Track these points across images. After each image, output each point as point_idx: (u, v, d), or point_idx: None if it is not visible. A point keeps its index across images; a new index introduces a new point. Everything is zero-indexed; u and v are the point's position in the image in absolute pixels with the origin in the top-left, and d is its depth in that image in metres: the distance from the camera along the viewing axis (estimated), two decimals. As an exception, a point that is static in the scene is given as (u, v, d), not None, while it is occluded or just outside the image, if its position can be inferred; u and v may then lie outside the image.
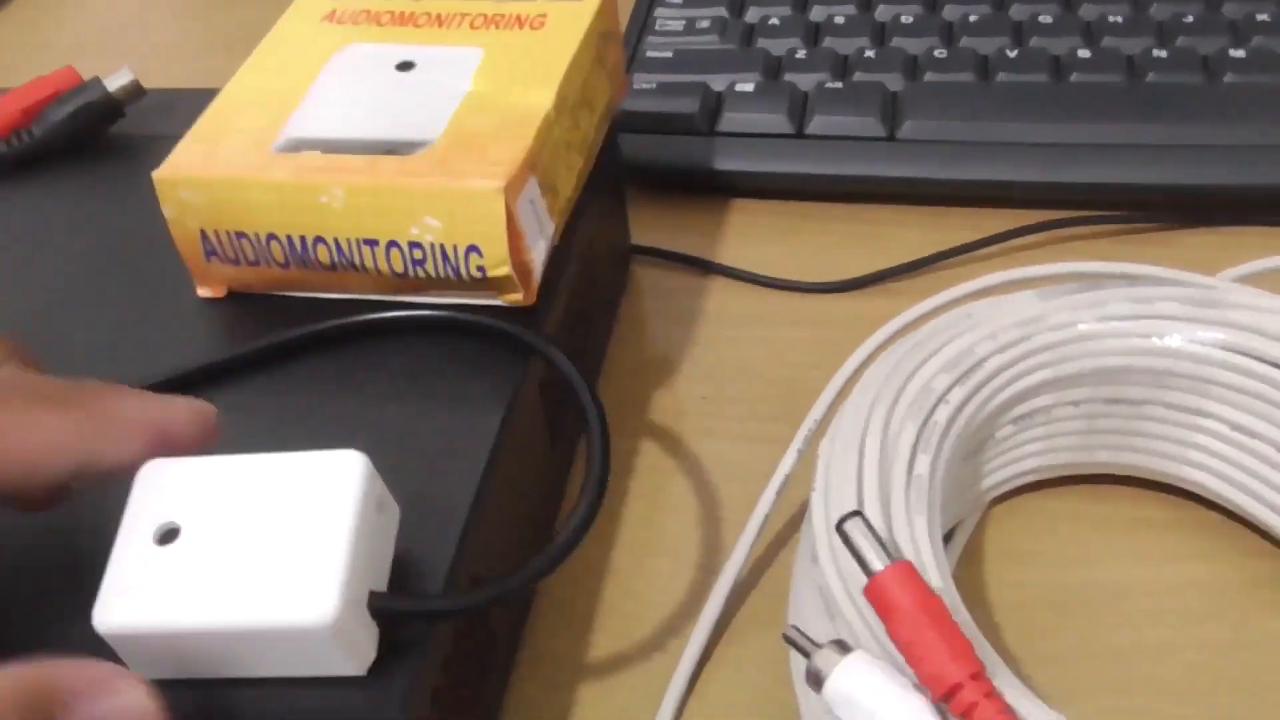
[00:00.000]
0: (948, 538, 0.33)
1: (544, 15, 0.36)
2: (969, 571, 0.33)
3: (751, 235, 0.44)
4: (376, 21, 0.37)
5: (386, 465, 0.26)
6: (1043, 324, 0.32)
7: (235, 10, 0.63)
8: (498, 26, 0.36)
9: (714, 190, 0.45)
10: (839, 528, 0.25)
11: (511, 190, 0.30)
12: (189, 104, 0.36)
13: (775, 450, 0.36)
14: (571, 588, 0.33)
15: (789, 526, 0.34)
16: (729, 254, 0.43)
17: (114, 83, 0.41)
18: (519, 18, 0.36)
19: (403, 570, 0.26)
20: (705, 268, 0.43)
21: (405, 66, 0.35)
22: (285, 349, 0.32)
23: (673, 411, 0.38)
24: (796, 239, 0.44)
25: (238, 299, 0.34)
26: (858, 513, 0.25)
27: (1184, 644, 0.31)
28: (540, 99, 0.33)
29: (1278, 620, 0.31)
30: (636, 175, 0.45)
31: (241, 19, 0.62)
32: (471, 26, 0.36)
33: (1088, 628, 0.31)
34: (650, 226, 0.45)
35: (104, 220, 0.37)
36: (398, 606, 0.25)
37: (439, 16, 0.37)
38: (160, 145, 0.33)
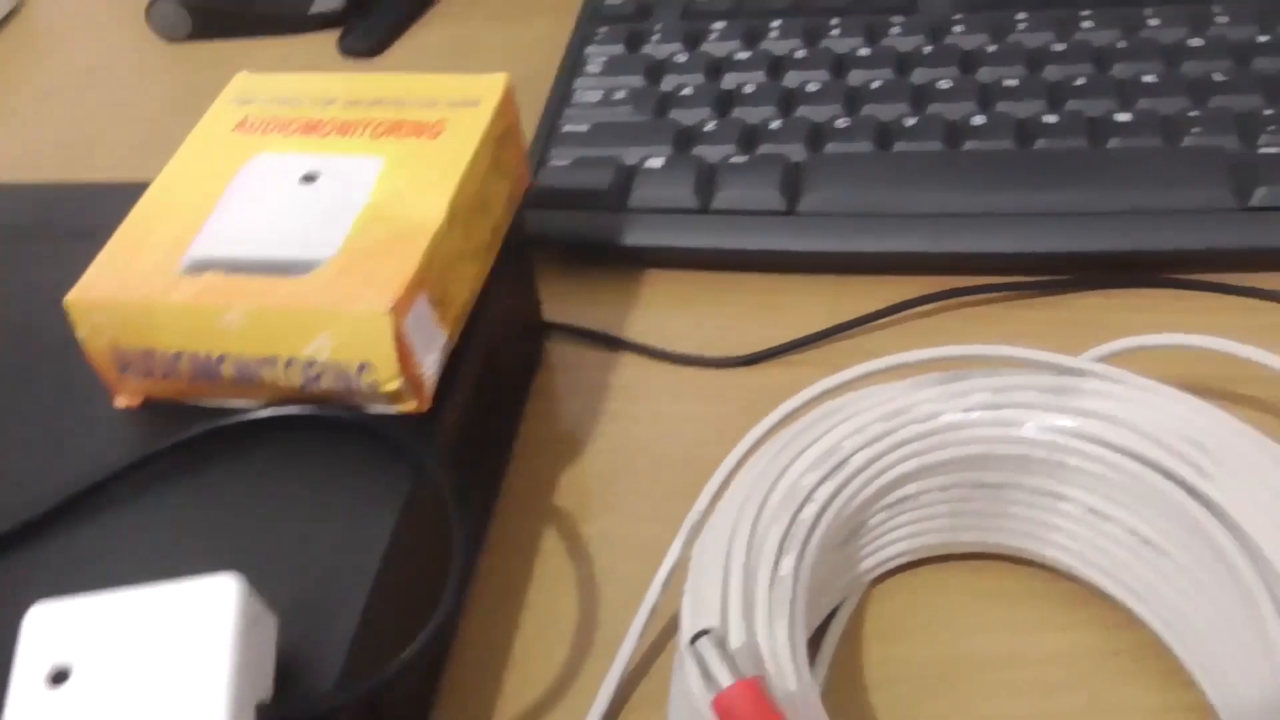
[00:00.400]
0: (829, 621, 0.35)
1: (442, 121, 0.38)
2: (849, 651, 0.35)
3: (660, 307, 0.46)
4: (284, 130, 0.39)
5: (280, 568, 0.28)
6: (907, 416, 0.34)
7: (183, 70, 0.65)
8: (398, 135, 0.38)
9: (625, 263, 0.47)
10: (690, 645, 0.27)
11: (398, 311, 0.32)
12: (114, 201, 0.38)
13: (672, 531, 0.38)
14: (477, 671, 0.35)
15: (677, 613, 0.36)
16: (639, 327, 0.45)
17: None
18: (418, 125, 0.38)
19: (297, 671, 0.28)
20: (614, 343, 0.45)
21: (309, 179, 0.37)
22: (162, 456, 0.34)
23: (578, 490, 0.40)
24: (703, 310, 0.46)
25: (154, 407, 0.36)
26: (706, 631, 0.27)
27: (1045, 713, 0.33)
28: (432, 211, 0.34)
29: (1131, 688, 0.33)
30: (549, 249, 0.47)
31: (187, 82, 0.64)
32: (373, 135, 0.38)
33: (958, 701, 0.33)
34: (563, 299, 0.46)
35: (25, 321, 0.39)
36: (285, 713, 0.27)
37: (344, 124, 0.38)
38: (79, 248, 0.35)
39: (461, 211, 0.36)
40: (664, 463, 0.40)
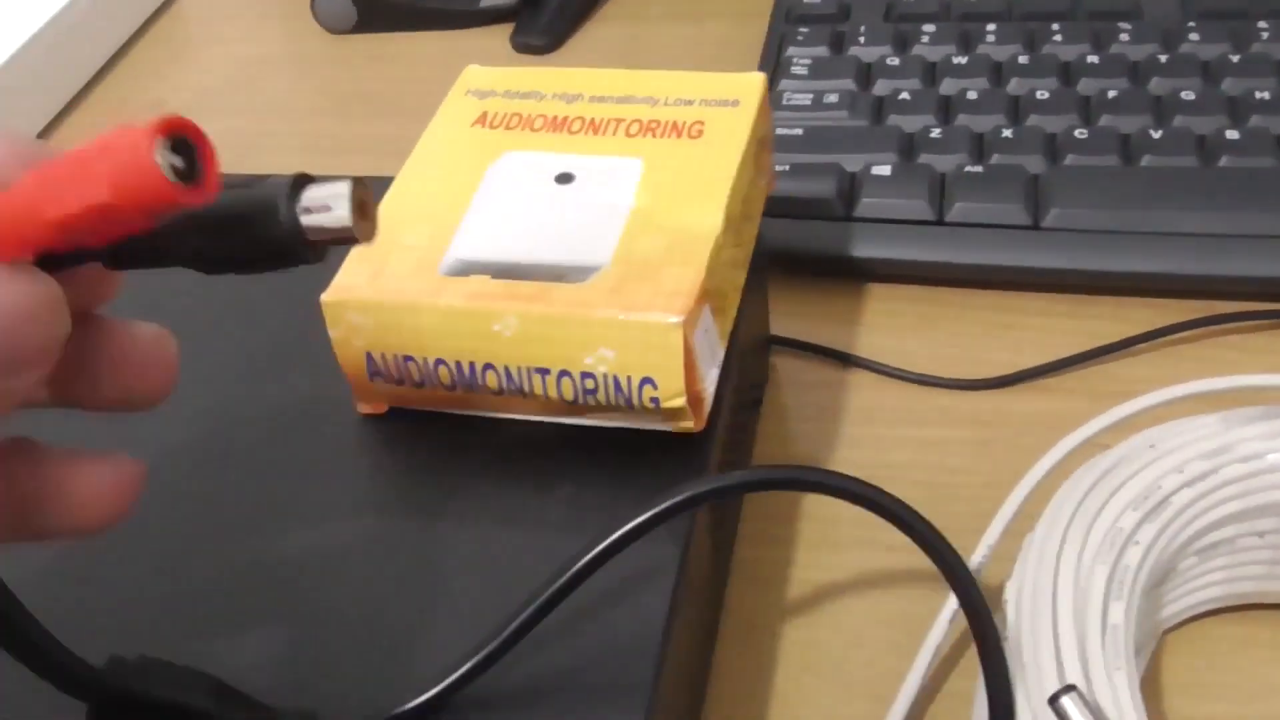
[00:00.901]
0: (1126, 670, 0.32)
1: (701, 123, 0.35)
2: (1151, 707, 0.32)
3: (890, 324, 0.43)
4: (530, 127, 0.36)
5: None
6: (1230, 454, 0.31)
7: (341, 66, 0.63)
8: (655, 134, 0.35)
9: (852, 275, 0.45)
10: (1053, 703, 0.24)
11: (689, 323, 0.30)
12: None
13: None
14: (732, 713, 0.33)
15: (959, 650, 0.34)
16: (868, 343, 0.43)
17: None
18: (676, 125, 0.35)
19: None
20: (845, 360, 0.42)
21: (564, 179, 0.34)
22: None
23: (827, 519, 0.37)
24: (937, 328, 0.43)
25: (400, 415, 0.34)
26: (1073, 686, 0.24)
27: (1380, 790, 0.30)
28: (709, 220, 0.32)
29: None
30: (772, 260, 0.45)
31: (354, 75, 0.62)
32: (628, 134, 0.36)
33: (1277, 769, 0.30)
34: (786, 313, 0.44)
35: (265, 319, 0.37)
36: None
37: (593, 123, 0.36)
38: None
39: (734, 218, 0.33)
40: (917, 491, 0.37)
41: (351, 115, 0.60)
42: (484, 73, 0.39)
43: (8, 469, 0.22)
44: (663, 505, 0.26)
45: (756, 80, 0.37)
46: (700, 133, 0.35)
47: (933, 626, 0.32)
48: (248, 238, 0.21)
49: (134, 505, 0.23)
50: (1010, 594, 0.29)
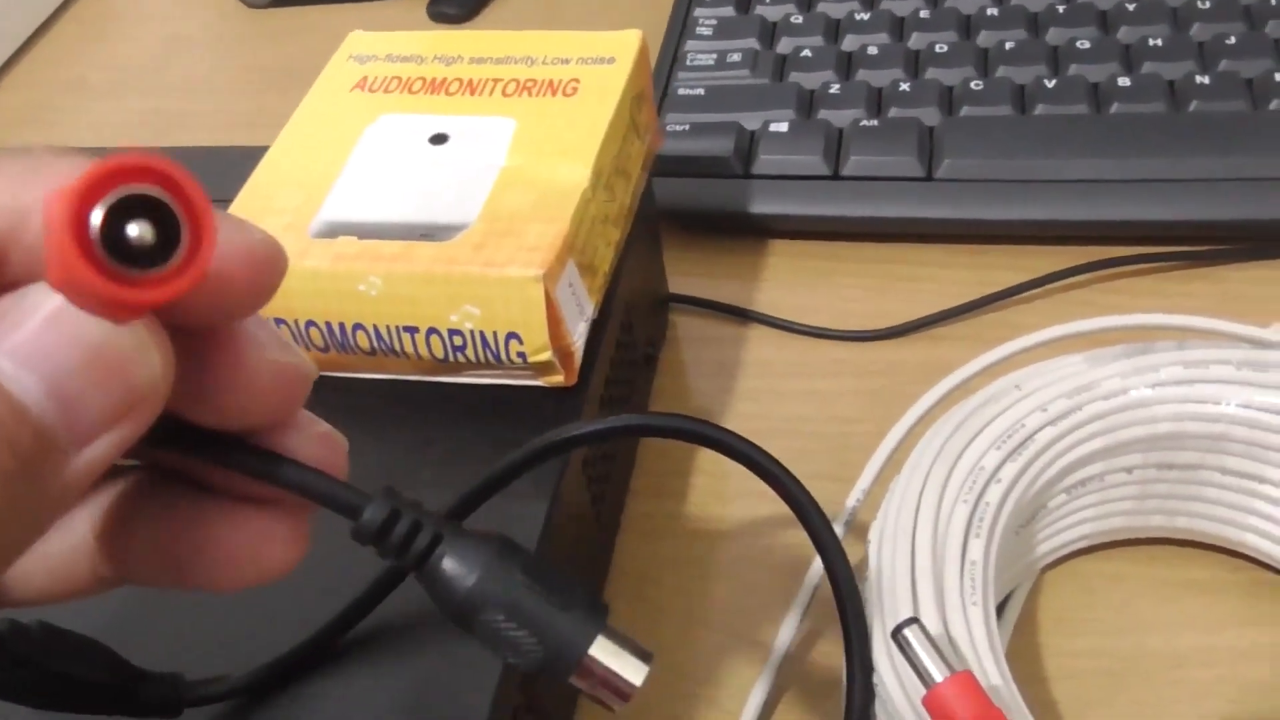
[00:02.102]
0: (1000, 608, 0.32)
1: (576, 81, 0.35)
2: (1023, 642, 0.32)
3: (789, 279, 0.44)
4: (408, 89, 0.36)
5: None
6: (1094, 392, 0.31)
7: (263, 41, 0.63)
8: (530, 93, 0.35)
9: (750, 232, 0.45)
10: (895, 635, 0.25)
11: (550, 277, 0.30)
12: (228, 166, 0.36)
13: (826, 510, 0.35)
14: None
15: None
16: (767, 299, 0.43)
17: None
18: (552, 84, 0.36)
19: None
20: (744, 316, 0.42)
21: (439, 139, 0.34)
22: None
23: (716, 471, 0.38)
24: (835, 282, 0.43)
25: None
26: (914, 619, 0.25)
27: (1243, 716, 0.30)
28: (576, 175, 0.32)
29: (1342, 690, 0.30)
30: (670, 218, 0.45)
31: (273, 50, 0.62)
32: (504, 94, 0.36)
33: (1145, 700, 0.31)
34: (686, 271, 0.44)
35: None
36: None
37: (471, 83, 0.36)
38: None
39: (604, 174, 0.33)
40: (808, 441, 0.38)
41: (271, 89, 0.59)
42: (366, 38, 0.39)
43: (152, 518, 0.20)
44: (506, 462, 0.26)
45: (633, 37, 0.37)
46: (575, 90, 0.35)
47: (808, 571, 0.33)
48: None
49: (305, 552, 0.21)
50: (874, 534, 0.30)
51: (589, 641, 0.20)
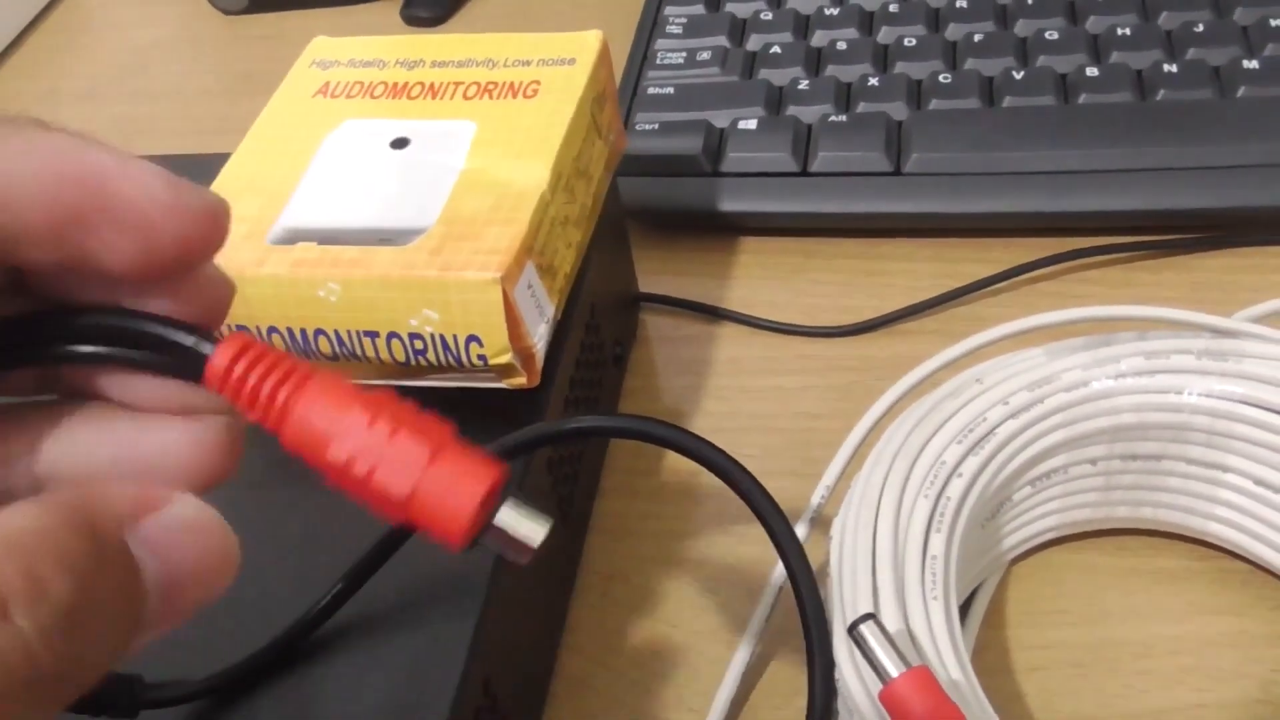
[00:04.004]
0: (969, 601, 0.33)
1: (537, 83, 0.35)
2: (991, 635, 0.32)
3: (759, 276, 0.44)
4: (370, 94, 0.36)
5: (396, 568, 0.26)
6: (1055, 384, 0.31)
7: (236, 47, 0.63)
8: (491, 96, 0.35)
9: (720, 230, 0.45)
10: (852, 632, 0.25)
11: (508, 280, 0.30)
12: (194, 173, 0.36)
13: (792, 507, 0.35)
14: (588, 662, 0.33)
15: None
16: (737, 296, 0.43)
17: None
18: (512, 86, 0.36)
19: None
20: (714, 313, 0.42)
21: (400, 143, 0.34)
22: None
23: (687, 471, 0.38)
24: (805, 278, 0.43)
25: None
26: (871, 615, 0.25)
27: (1211, 704, 0.30)
28: (535, 177, 0.32)
29: (1307, 677, 0.30)
30: (640, 218, 0.45)
31: (246, 55, 0.62)
32: (465, 97, 0.36)
33: (1113, 690, 0.31)
34: (657, 270, 0.44)
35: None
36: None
37: (432, 87, 0.36)
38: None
39: (564, 176, 0.33)
40: (776, 438, 0.38)
41: (243, 95, 0.59)
42: (329, 43, 0.39)
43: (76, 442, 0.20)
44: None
45: (593, 38, 0.37)
46: (535, 92, 0.35)
47: (774, 570, 0.33)
48: None
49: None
50: (835, 530, 0.30)
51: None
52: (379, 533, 0.28)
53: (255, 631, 0.27)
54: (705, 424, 0.39)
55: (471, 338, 0.31)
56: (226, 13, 0.65)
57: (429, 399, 0.32)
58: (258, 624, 0.27)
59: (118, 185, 0.19)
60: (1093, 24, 0.47)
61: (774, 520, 0.27)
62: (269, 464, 0.31)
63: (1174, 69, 0.44)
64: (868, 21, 0.50)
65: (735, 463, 0.28)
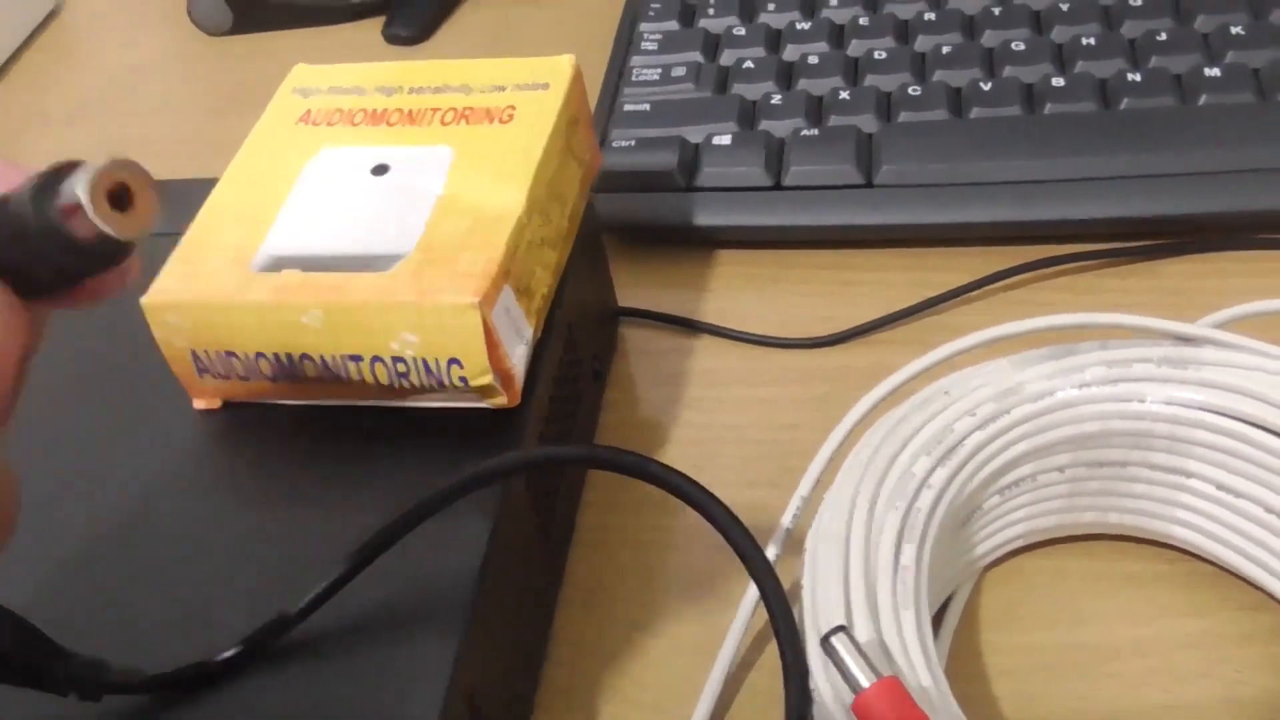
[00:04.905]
0: (944, 609, 0.33)
1: (512, 108, 0.36)
2: (965, 640, 0.33)
3: (735, 288, 0.44)
4: (350, 122, 0.37)
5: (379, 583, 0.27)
6: (1020, 395, 0.32)
7: (220, 67, 0.63)
8: (468, 121, 0.36)
9: (696, 244, 0.46)
10: (824, 643, 0.26)
11: (486, 304, 0.31)
12: (180, 199, 0.36)
13: (768, 518, 0.36)
14: (569, 672, 0.34)
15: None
16: (714, 309, 0.44)
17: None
18: (488, 111, 0.36)
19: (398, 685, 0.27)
20: (691, 326, 0.43)
21: (380, 170, 0.35)
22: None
23: (667, 483, 0.38)
24: (779, 290, 0.44)
25: (233, 408, 0.35)
26: (842, 627, 0.26)
27: (1177, 705, 0.31)
28: (511, 201, 0.33)
29: (1270, 676, 0.31)
30: (617, 233, 0.46)
31: (231, 75, 0.63)
32: (443, 123, 0.36)
33: (1083, 692, 0.32)
34: (634, 284, 0.45)
35: (101, 325, 0.38)
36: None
37: (410, 114, 0.37)
38: (154, 246, 0.34)
39: (539, 199, 0.34)
40: (752, 449, 0.39)
41: (227, 115, 0.60)
42: (310, 71, 0.40)
43: None
44: (447, 486, 0.27)
45: (566, 63, 0.37)
46: (511, 117, 0.36)
47: (751, 581, 0.33)
48: (24, 251, 0.20)
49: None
50: (809, 544, 0.31)
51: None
52: (362, 538, 0.28)
53: (229, 631, 0.28)
54: (683, 434, 0.40)
55: (452, 360, 0.31)
56: (210, 34, 0.66)
57: (413, 418, 0.33)
58: (234, 623, 0.28)
59: None
60: (1058, 33, 0.48)
61: (740, 540, 0.28)
62: (255, 463, 0.33)
63: (1137, 78, 0.45)
64: (838, 35, 0.50)
65: (700, 488, 0.29)
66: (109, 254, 0.20)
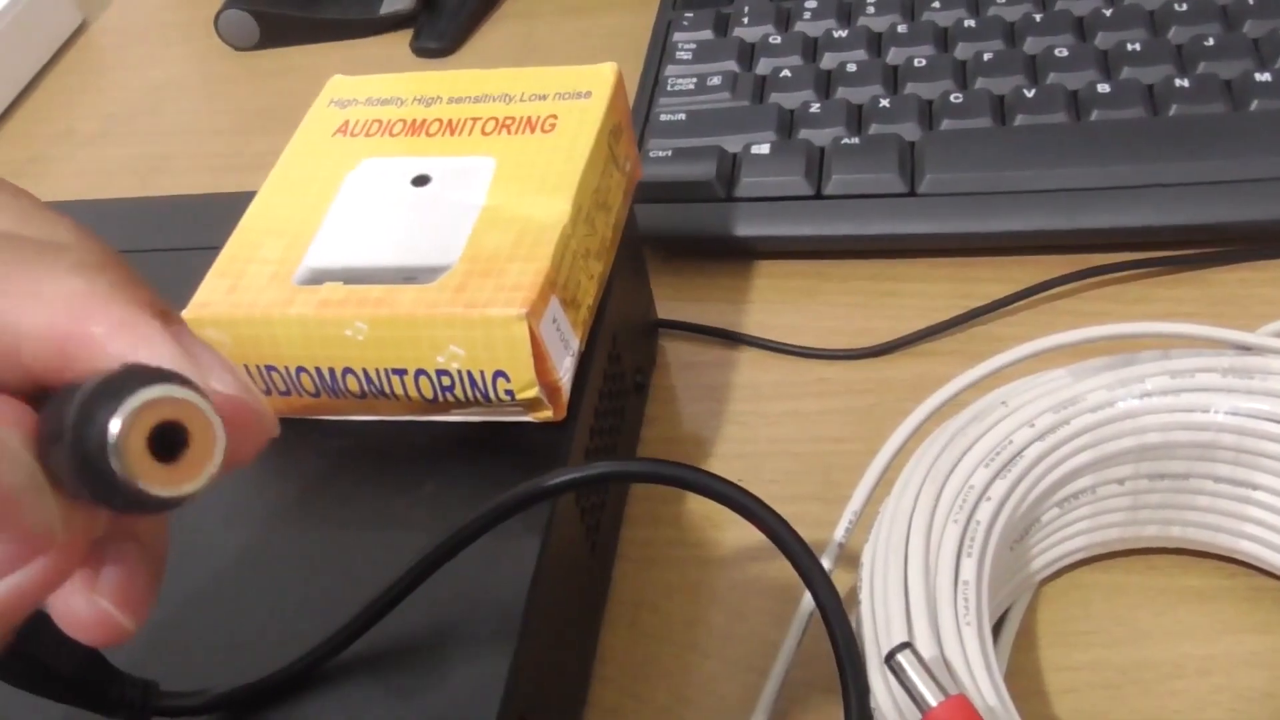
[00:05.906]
0: (1000, 624, 0.33)
1: (555, 117, 0.36)
2: (1023, 657, 0.32)
3: (776, 299, 0.44)
4: (389, 132, 0.37)
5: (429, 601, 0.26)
6: (1080, 405, 0.31)
7: (248, 83, 0.63)
8: (509, 131, 0.36)
9: (736, 255, 0.45)
10: (889, 661, 0.25)
11: (533, 315, 0.30)
12: (218, 213, 0.36)
13: (816, 532, 0.35)
14: (619, 693, 0.33)
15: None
16: (755, 321, 0.43)
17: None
18: (530, 121, 0.36)
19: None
20: (732, 338, 0.42)
21: (421, 181, 0.35)
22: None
23: (711, 497, 0.38)
24: (821, 301, 0.43)
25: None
26: (907, 644, 0.25)
27: (1245, 724, 0.30)
28: (556, 211, 0.32)
29: (1341, 693, 0.30)
30: (656, 245, 0.45)
31: (259, 91, 0.62)
32: (483, 133, 0.36)
33: (1143, 712, 0.31)
34: (674, 296, 0.44)
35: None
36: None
37: (450, 124, 0.36)
38: (193, 260, 0.34)
39: (584, 209, 0.34)
40: (799, 463, 0.38)
41: (255, 131, 0.60)
42: (347, 82, 0.40)
43: None
44: (478, 515, 0.27)
45: (608, 70, 0.37)
46: (553, 127, 0.35)
47: (803, 597, 0.33)
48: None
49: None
50: (866, 558, 0.30)
51: None
52: (415, 556, 0.28)
53: (280, 652, 0.27)
54: (726, 449, 0.39)
55: (498, 373, 0.31)
56: (238, 49, 0.66)
57: (457, 434, 0.32)
58: (283, 645, 0.28)
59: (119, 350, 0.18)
60: (1102, 40, 0.47)
61: (802, 558, 0.27)
62: (298, 481, 0.32)
63: (1186, 83, 0.44)
64: (876, 43, 0.50)
65: (758, 500, 0.28)
66: (149, 506, 0.16)
